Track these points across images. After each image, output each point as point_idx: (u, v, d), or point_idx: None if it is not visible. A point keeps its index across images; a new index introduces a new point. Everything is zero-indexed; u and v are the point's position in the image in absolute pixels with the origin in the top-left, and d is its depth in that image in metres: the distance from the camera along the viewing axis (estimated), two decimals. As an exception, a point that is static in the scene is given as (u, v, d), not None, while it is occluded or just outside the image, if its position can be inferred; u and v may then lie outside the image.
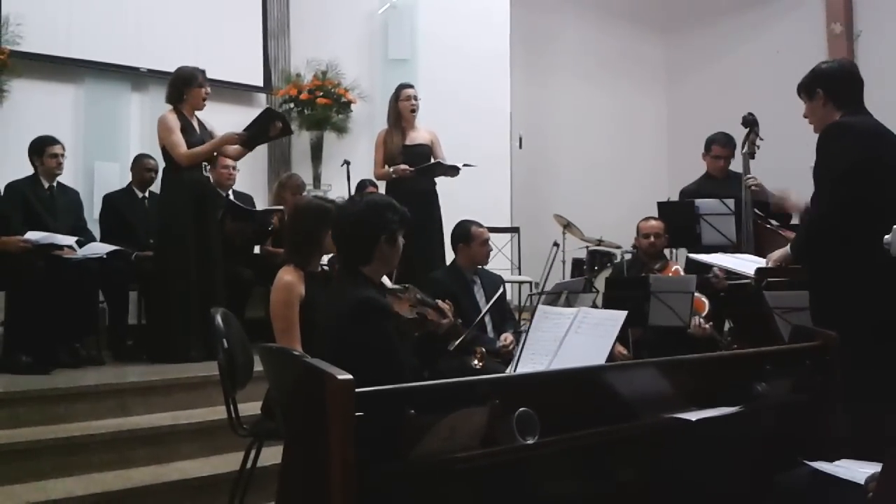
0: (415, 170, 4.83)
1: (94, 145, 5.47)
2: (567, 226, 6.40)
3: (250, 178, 5.85)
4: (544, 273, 4.75)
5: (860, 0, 6.97)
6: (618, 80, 8.24)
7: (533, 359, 2.59)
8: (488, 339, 3.82)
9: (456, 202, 4.97)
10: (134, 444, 3.33)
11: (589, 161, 7.94)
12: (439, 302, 3.24)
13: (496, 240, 4.80)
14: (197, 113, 4.44)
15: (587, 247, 6.51)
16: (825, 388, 2.35)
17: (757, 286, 3.35)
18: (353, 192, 5.25)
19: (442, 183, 5.03)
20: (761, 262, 3.24)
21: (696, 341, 3.76)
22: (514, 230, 6.38)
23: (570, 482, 1.89)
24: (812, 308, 2.87)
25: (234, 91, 6.16)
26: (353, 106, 6.47)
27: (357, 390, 1.52)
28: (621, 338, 3.15)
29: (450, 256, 4.34)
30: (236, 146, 4.40)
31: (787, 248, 3.02)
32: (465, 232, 4.05)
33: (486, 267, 4.19)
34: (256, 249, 5.10)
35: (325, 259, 3.19)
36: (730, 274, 3.65)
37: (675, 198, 4.65)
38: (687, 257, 4.20)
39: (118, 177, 5.33)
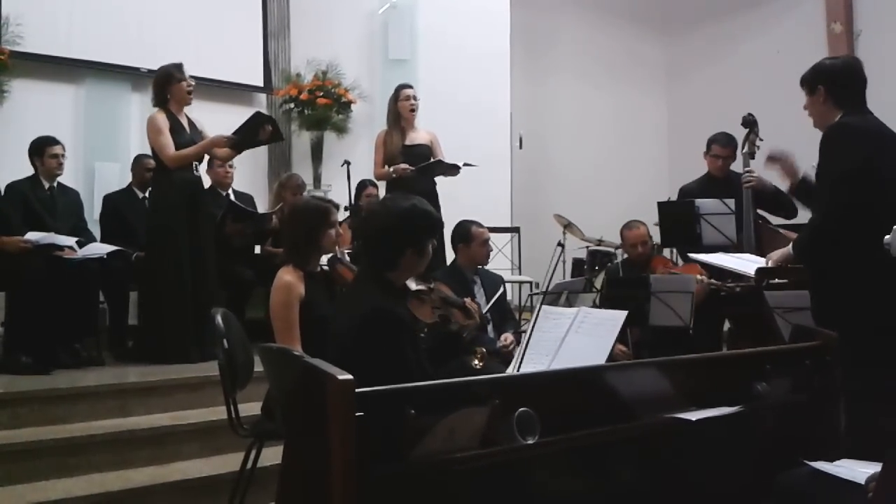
0: (415, 169, 4.82)
1: (94, 145, 5.48)
2: (567, 226, 6.40)
3: (250, 178, 5.85)
4: (547, 273, 4.74)
5: (860, 0, 6.96)
6: (618, 80, 8.22)
7: (533, 359, 2.59)
8: (488, 339, 3.82)
9: (456, 202, 4.96)
10: (134, 444, 3.33)
11: (589, 161, 7.93)
12: (466, 301, 3.20)
13: (496, 240, 4.80)
14: (190, 114, 4.41)
15: (587, 247, 6.51)
16: (825, 388, 2.34)
17: (757, 286, 3.35)
18: (353, 192, 5.26)
19: (442, 183, 5.02)
20: (762, 262, 3.24)
21: (696, 342, 3.76)
22: (514, 230, 6.39)
23: (571, 482, 1.89)
24: (813, 308, 2.87)
25: (234, 91, 6.17)
26: (353, 106, 6.48)
27: (357, 390, 1.52)
28: (621, 337, 3.15)
29: (450, 256, 4.34)
30: (225, 149, 4.37)
31: (789, 248, 3.02)
32: (465, 232, 4.05)
33: (487, 267, 4.19)
34: (257, 250, 5.10)
35: (324, 259, 3.19)
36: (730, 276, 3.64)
37: (675, 198, 4.64)
38: (687, 257, 4.20)
39: (118, 177, 5.33)
